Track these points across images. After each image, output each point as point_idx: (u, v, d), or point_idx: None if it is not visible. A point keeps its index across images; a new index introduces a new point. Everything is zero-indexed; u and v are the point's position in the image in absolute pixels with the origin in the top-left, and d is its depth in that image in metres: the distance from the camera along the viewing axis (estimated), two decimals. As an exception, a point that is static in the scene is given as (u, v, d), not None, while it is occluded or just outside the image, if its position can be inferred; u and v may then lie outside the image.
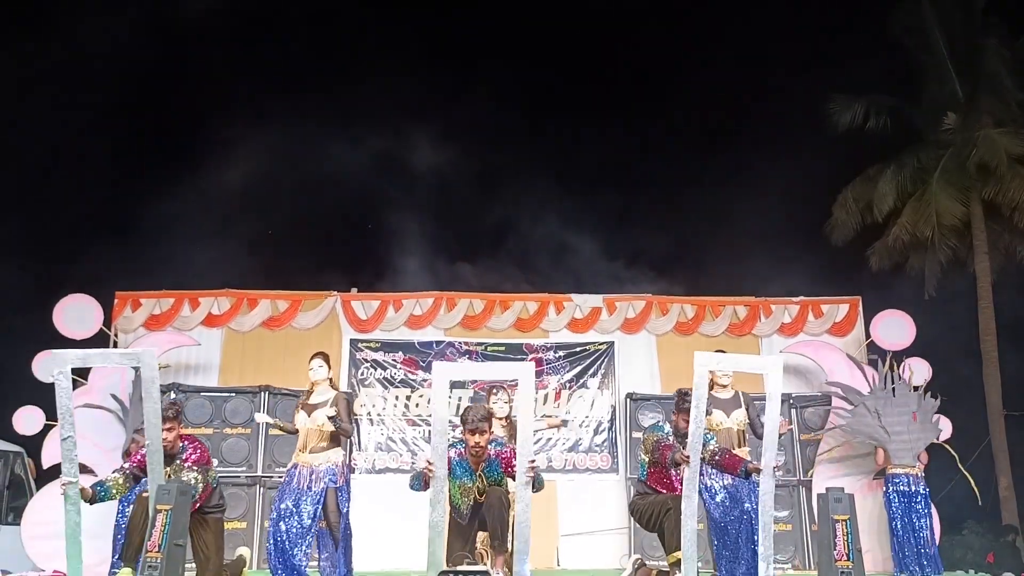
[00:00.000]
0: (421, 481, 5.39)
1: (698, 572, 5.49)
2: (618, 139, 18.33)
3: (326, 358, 6.92)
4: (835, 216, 15.56)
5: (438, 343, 11.01)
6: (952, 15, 15.22)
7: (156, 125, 17.16)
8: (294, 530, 6.34)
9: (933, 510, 9.14)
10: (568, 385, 11.03)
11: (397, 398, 10.87)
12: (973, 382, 14.62)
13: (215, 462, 6.50)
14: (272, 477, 9.77)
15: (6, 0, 16.99)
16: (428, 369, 10.63)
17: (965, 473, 9.86)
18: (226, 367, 10.78)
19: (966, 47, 15.20)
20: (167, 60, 17.09)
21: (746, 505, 6.29)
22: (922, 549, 8.79)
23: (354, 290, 11.32)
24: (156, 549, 4.41)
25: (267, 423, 7.20)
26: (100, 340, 10.28)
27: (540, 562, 9.69)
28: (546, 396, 10.94)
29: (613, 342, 11.19)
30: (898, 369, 9.87)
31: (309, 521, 6.38)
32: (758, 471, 4.95)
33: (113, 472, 5.81)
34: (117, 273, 12.27)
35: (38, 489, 9.96)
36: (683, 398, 5.88)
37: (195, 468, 5.80)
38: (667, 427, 5.78)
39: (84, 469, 9.50)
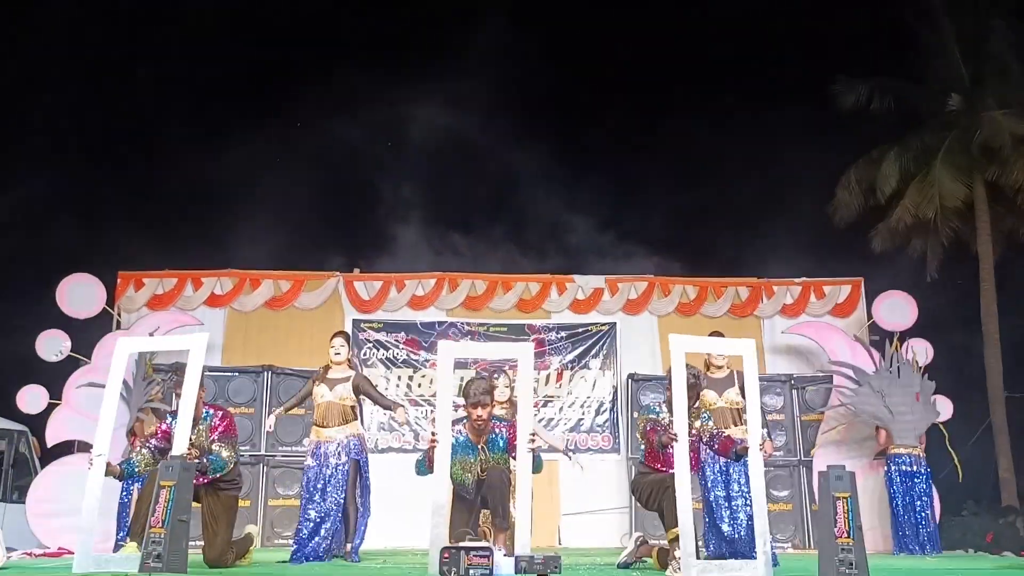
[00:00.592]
0: (426, 465, 5.41)
1: (697, 548, 5.55)
2: (619, 117, 18.27)
3: (347, 338, 7.08)
4: (838, 197, 15.51)
5: (440, 323, 11.03)
6: (958, -5, 15.15)
7: (158, 105, 17.09)
8: (329, 509, 6.53)
9: (934, 490, 9.20)
10: (570, 366, 11.06)
11: (400, 378, 10.90)
12: (974, 364, 14.63)
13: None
14: (275, 456, 9.82)
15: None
16: (430, 349, 10.66)
17: (952, 453, 9.89)
18: (229, 347, 10.81)
19: (972, 28, 15.10)
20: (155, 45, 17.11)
21: (735, 487, 6.37)
22: (922, 528, 8.84)
23: (356, 270, 11.32)
24: (160, 525, 4.42)
25: (276, 416, 7.16)
26: (103, 319, 10.32)
27: (541, 540, 9.74)
28: (548, 376, 10.96)
29: (615, 323, 11.21)
30: (901, 349, 9.88)
31: (340, 497, 6.57)
32: (747, 451, 4.97)
33: (142, 449, 5.78)
34: (120, 252, 12.26)
35: (42, 467, 10.00)
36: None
37: (225, 441, 5.71)
38: (661, 410, 5.79)
39: (87, 447, 9.60)
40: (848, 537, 4.25)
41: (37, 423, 10.02)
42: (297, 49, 17.31)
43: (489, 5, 15.73)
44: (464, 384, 5.95)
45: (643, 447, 5.93)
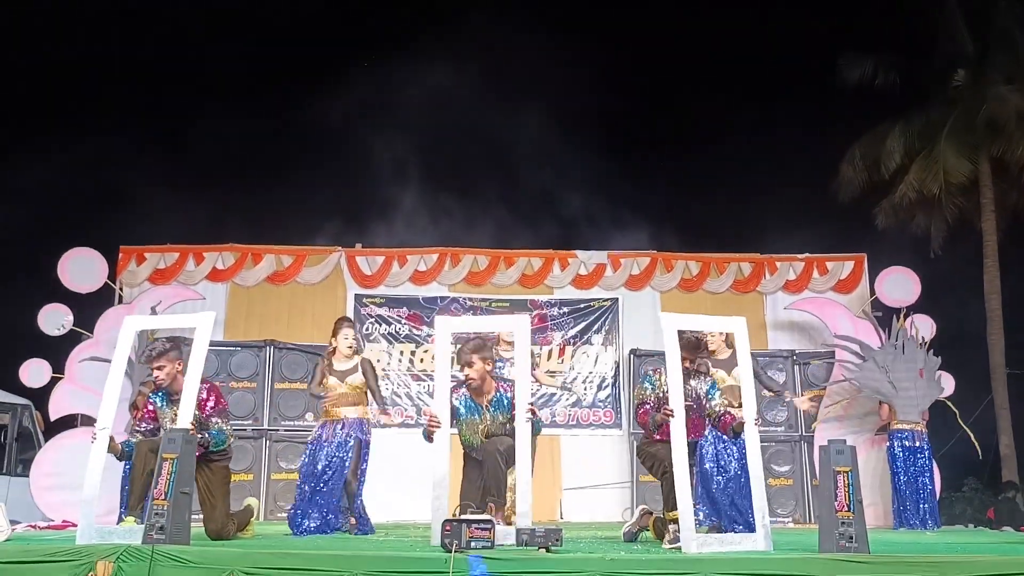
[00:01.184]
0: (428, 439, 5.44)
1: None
2: (624, 90, 18.19)
3: (352, 324, 7.12)
4: (842, 173, 15.48)
5: (442, 299, 11.02)
6: (965, -30, 15.04)
7: (158, 79, 17.05)
8: (330, 483, 6.58)
9: (935, 466, 9.22)
10: (572, 341, 11.06)
11: (402, 353, 10.91)
12: (977, 340, 14.65)
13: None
14: (278, 431, 9.85)
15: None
16: (432, 324, 10.64)
17: (966, 430, 9.89)
18: (231, 321, 10.81)
19: (978, 3, 15.01)
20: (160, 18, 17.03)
21: (733, 464, 6.40)
22: (923, 504, 8.87)
23: (358, 245, 11.30)
24: (162, 497, 4.45)
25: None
26: (105, 294, 10.32)
27: (543, 515, 9.77)
28: (550, 352, 10.97)
29: (617, 298, 11.20)
30: (904, 324, 9.87)
31: (343, 472, 6.62)
32: (667, 416, 4.99)
33: (135, 433, 5.77)
34: (122, 227, 12.26)
35: (46, 441, 10.04)
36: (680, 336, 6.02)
37: (222, 415, 5.66)
38: (655, 378, 5.76)
39: (91, 421, 9.63)
40: (848, 511, 4.27)
41: (40, 397, 10.06)
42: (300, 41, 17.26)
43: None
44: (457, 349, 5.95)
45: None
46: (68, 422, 9.76)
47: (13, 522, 8.04)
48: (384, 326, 10.92)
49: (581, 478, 10.53)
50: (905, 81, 15.45)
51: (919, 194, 14.89)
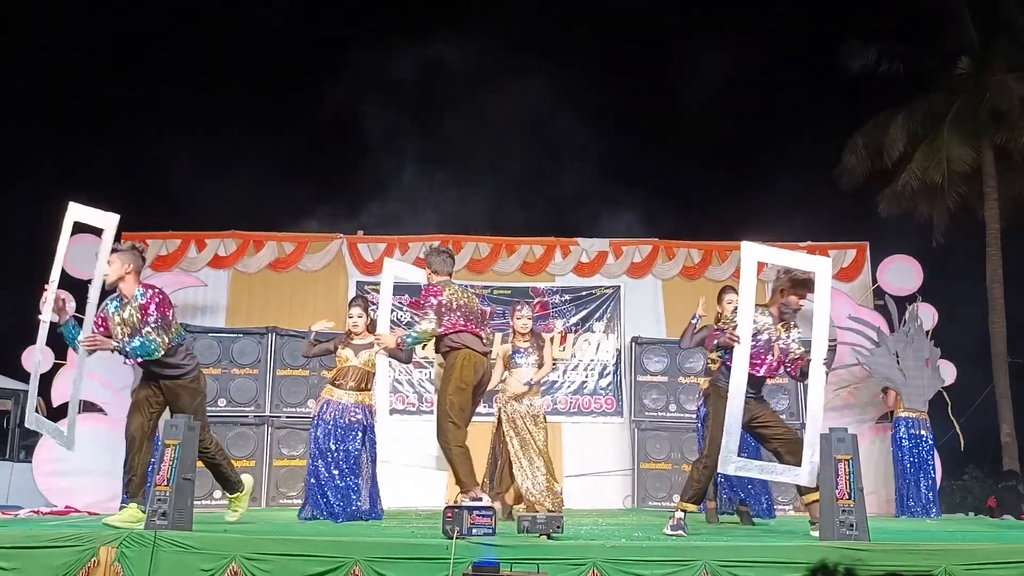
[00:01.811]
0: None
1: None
2: (624, 78, 18.13)
3: (365, 306, 7.05)
4: (845, 161, 15.45)
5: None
6: (970, -42, 14.97)
7: (159, 69, 17.02)
8: (340, 465, 6.67)
9: (936, 454, 9.23)
10: (574, 329, 11.06)
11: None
12: (979, 329, 14.64)
13: (184, 330, 6.01)
14: (280, 417, 9.86)
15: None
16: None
17: (954, 422, 9.92)
18: (233, 308, 10.81)
19: (982, -10, 14.96)
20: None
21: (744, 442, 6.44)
22: (924, 492, 8.89)
23: (360, 232, 11.27)
24: (165, 483, 4.46)
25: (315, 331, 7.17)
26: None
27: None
28: (552, 339, 10.96)
29: (619, 286, 11.19)
30: (916, 311, 9.87)
31: (353, 456, 6.74)
32: (731, 341, 5.07)
33: (76, 316, 5.64)
34: (124, 213, 12.23)
35: (48, 427, 10.05)
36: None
37: (161, 325, 5.39)
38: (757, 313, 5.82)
39: (94, 407, 9.67)
40: (849, 499, 4.28)
41: (42, 383, 10.01)
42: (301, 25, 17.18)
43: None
44: None
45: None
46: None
47: (16, 507, 8.11)
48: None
49: (582, 465, 10.54)
50: (908, 69, 15.40)
51: (922, 182, 14.87)
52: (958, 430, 9.97)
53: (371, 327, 6.93)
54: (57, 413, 9.86)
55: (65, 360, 9.51)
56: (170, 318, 5.52)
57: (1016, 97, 13.92)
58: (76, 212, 5.84)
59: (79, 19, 16.02)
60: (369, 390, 6.95)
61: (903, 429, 9.05)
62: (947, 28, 15.37)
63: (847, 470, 4.32)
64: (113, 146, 16.81)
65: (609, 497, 10.31)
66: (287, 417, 9.89)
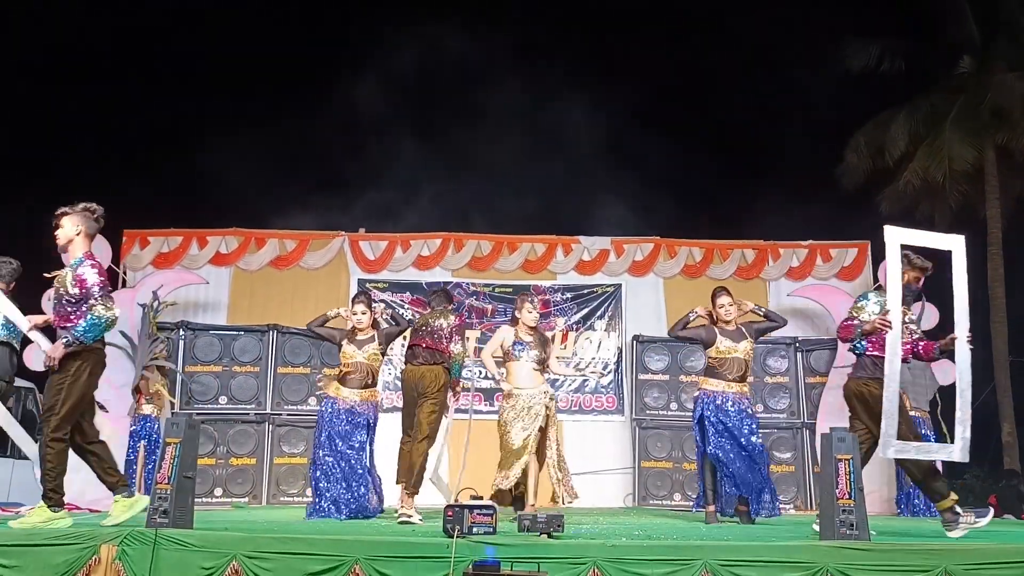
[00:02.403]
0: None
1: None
2: (627, 75, 18.13)
3: (368, 302, 7.10)
4: (846, 160, 15.43)
5: (446, 283, 11.00)
6: (972, -43, 14.95)
7: (165, 66, 17.03)
8: (346, 461, 6.74)
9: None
10: (575, 327, 11.07)
11: (405, 338, 10.86)
12: (980, 328, 14.62)
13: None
14: (281, 415, 9.87)
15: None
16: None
17: (942, 423, 9.90)
18: (234, 306, 10.83)
19: (984, -11, 14.93)
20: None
21: (743, 440, 6.43)
22: (925, 491, 8.89)
23: (362, 230, 11.28)
24: (166, 481, 4.46)
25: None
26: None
27: (542, 500, 9.78)
28: (553, 337, 10.96)
29: (620, 284, 11.20)
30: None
31: (359, 454, 6.81)
32: (883, 326, 5.33)
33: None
34: (125, 210, 12.25)
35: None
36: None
37: (105, 298, 5.01)
38: (879, 296, 5.77)
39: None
40: (849, 498, 4.28)
41: (43, 380, 10.04)
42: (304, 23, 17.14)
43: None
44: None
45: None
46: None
47: (17, 504, 8.11)
48: (387, 311, 10.90)
49: (583, 464, 10.53)
50: (910, 68, 15.37)
51: (923, 181, 14.84)
52: (945, 432, 9.93)
53: (374, 323, 7.01)
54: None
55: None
56: (107, 286, 5.12)
57: (1018, 96, 13.91)
58: None
59: (79, 19, 16.03)
60: (374, 386, 6.99)
61: None
62: (948, 27, 15.34)
63: (847, 470, 4.33)
64: (113, 146, 16.82)
65: (610, 495, 10.32)
66: (288, 415, 9.91)
